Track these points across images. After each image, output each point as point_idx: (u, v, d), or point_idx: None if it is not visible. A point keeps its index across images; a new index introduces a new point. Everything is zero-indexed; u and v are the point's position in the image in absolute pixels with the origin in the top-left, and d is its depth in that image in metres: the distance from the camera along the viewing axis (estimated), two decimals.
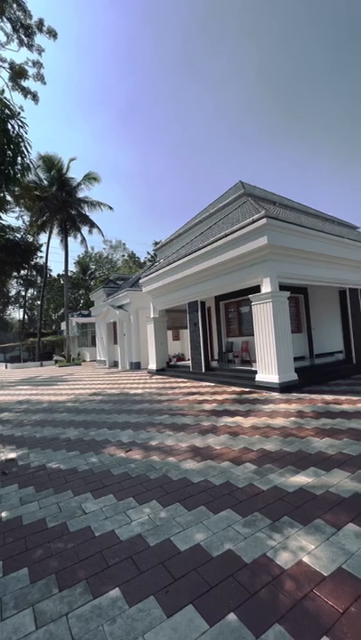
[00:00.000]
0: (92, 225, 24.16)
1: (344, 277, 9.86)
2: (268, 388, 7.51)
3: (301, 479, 2.98)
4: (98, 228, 24.28)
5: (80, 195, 23.71)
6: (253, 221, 7.62)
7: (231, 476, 3.14)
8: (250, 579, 1.81)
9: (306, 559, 1.93)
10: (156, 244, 39.79)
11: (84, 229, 24.42)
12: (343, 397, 6.42)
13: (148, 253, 46.68)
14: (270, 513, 2.46)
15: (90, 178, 23.07)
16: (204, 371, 10.63)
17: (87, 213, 23.97)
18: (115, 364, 19.40)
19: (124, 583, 1.85)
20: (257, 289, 8.15)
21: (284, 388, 7.30)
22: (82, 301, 44.59)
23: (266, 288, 7.78)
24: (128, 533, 2.33)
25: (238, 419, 5.28)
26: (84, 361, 27.10)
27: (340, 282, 9.87)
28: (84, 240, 24.82)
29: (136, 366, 16.51)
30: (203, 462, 3.55)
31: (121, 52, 58.46)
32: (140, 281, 14.26)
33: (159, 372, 13.12)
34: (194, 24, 52.75)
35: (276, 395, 7.08)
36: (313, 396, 6.74)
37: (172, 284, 11.82)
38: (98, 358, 24.06)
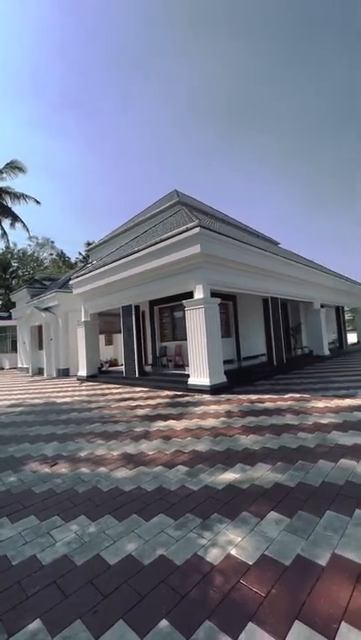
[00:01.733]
0: (14, 218, 21.96)
1: (268, 287, 10.89)
2: (199, 390, 7.79)
3: (230, 476, 3.14)
4: (22, 222, 22.18)
5: (1, 184, 21.39)
6: (188, 229, 7.89)
7: (164, 481, 3.14)
8: (181, 581, 1.82)
9: (233, 552, 2.03)
10: (89, 244, 38.16)
11: (6, 222, 22.06)
12: (266, 396, 7.03)
13: (80, 254, 44.47)
14: (201, 512, 2.52)
15: (13, 167, 20.96)
16: (137, 376, 10.50)
17: (9, 205, 21.72)
18: (39, 372, 17.83)
19: (47, 612, 1.68)
20: (190, 295, 8.44)
21: (215, 390, 7.66)
22: (0, 302, 40.03)
23: (198, 294, 8.11)
24: (52, 556, 2.13)
25: (171, 422, 5.34)
26: (2, 368, 24.29)
27: (265, 291, 10.87)
28: (4, 234, 22.38)
29: (64, 373, 15.45)
30: (135, 469, 3.48)
31: (51, 40, 55.21)
32: (71, 282, 13.47)
33: (90, 378, 12.52)
34: (136, 25, 52.89)
35: (207, 397, 7.38)
36: (240, 396, 7.22)
37: (106, 287, 11.46)
38: (19, 365, 21.83)
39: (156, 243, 8.75)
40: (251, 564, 1.92)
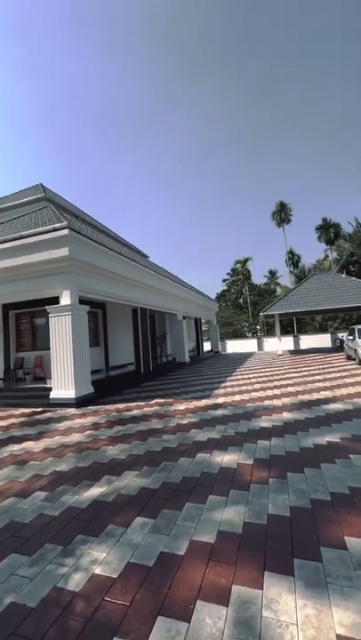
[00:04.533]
0: None
1: (137, 297, 11.28)
2: (64, 404, 7.18)
3: (95, 491, 3.01)
4: None
5: None
6: (55, 229, 7.30)
7: (16, 514, 2.70)
8: (36, 624, 1.59)
9: (98, 570, 1.94)
10: None
11: None
12: (133, 404, 7.18)
13: None
14: (63, 538, 2.30)
15: None
16: None
17: None
18: None
19: None
20: (55, 300, 7.77)
21: (82, 402, 7.25)
22: None
23: (65, 300, 7.57)
24: None
25: (28, 444, 4.68)
26: None
27: (135, 301, 11.21)
28: None
29: None
30: None
31: None
32: None
33: None
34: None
35: (72, 410, 6.89)
36: (108, 406, 7.09)
37: None
38: None
39: (16, 239, 7.67)
40: (116, 576, 1.88)
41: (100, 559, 2.04)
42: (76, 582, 1.86)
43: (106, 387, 8.92)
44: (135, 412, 6.31)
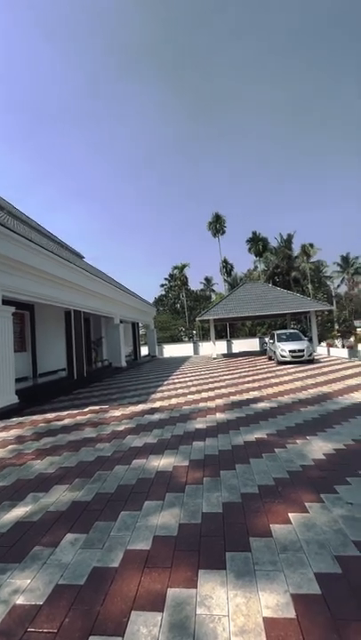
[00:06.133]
0: None
1: (70, 299, 10.66)
2: None
3: (18, 511, 2.72)
4: None
5: None
6: None
7: None
8: None
9: (21, 600, 1.75)
10: None
11: None
12: (65, 413, 6.72)
13: None
14: None
15: None
16: None
17: None
18: None
19: None
20: None
21: (4, 413, 6.51)
22: None
23: None
24: None
25: None
26: None
27: (68, 303, 10.57)
28: None
29: None
30: None
31: None
32: None
33: None
34: None
35: None
36: (35, 417, 6.51)
37: None
38: None
39: None
40: (42, 603, 1.72)
41: (24, 587, 1.84)
42: None
43: (33, 396, 8.19)
44: (67, 422, 5.91)
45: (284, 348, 13.76)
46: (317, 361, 14.17)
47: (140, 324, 25.62)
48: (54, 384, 10.23)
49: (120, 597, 1.72)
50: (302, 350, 13.55)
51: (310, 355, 13.68)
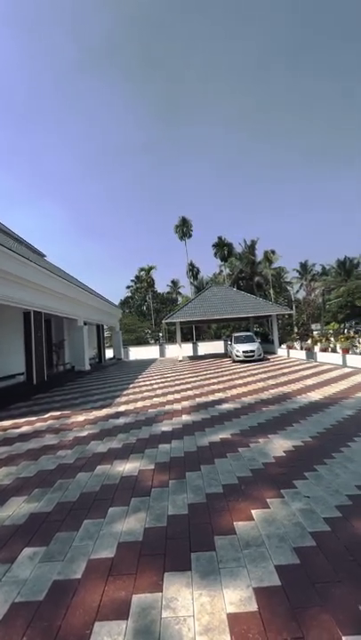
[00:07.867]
0: None
1: (30, 299, 10.11)
2: None
3: None
4: None
5: None
6: None
7: None
8: None
9: None
10: None
11: None
12: (22, 420, 6.35)
13: None
14: None
15: None
16: None
17: None
18: None
19: None
20: None
21: None
22: None
23: None
24: None
25: None
26: None
27: (28, 304, 10.01)
28: None
29: None
30: None
31: None
32: None
33: None
34: None
35: None
36: None
37: None
38: None
39: None
40: None
41: None
42: None
43: None
44: (25, 429, 5.59)
45: (239, 349, 15.93)
46: (267, 359, 16.23)
47: (106, 326, 25.02)
48: (11, 389, 9.61)
49: (83, 609, 1.66)
50: (253, 351, 15.73)
51: (260, 355, 15.89)
